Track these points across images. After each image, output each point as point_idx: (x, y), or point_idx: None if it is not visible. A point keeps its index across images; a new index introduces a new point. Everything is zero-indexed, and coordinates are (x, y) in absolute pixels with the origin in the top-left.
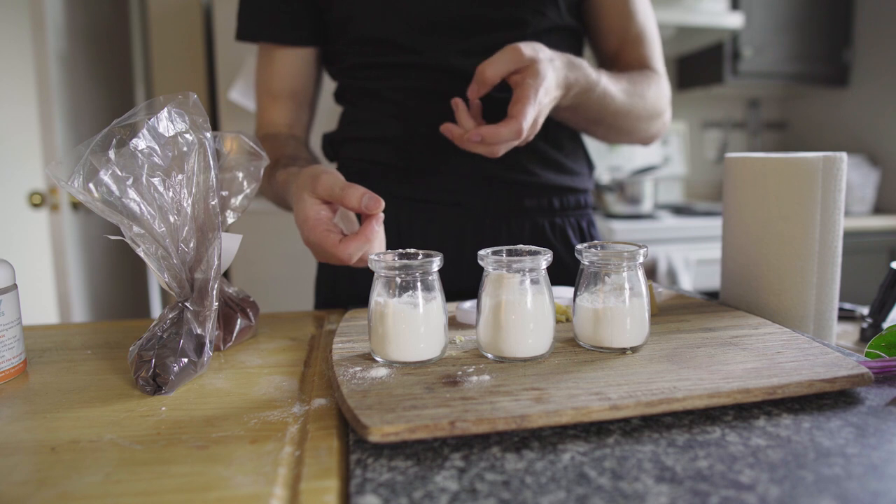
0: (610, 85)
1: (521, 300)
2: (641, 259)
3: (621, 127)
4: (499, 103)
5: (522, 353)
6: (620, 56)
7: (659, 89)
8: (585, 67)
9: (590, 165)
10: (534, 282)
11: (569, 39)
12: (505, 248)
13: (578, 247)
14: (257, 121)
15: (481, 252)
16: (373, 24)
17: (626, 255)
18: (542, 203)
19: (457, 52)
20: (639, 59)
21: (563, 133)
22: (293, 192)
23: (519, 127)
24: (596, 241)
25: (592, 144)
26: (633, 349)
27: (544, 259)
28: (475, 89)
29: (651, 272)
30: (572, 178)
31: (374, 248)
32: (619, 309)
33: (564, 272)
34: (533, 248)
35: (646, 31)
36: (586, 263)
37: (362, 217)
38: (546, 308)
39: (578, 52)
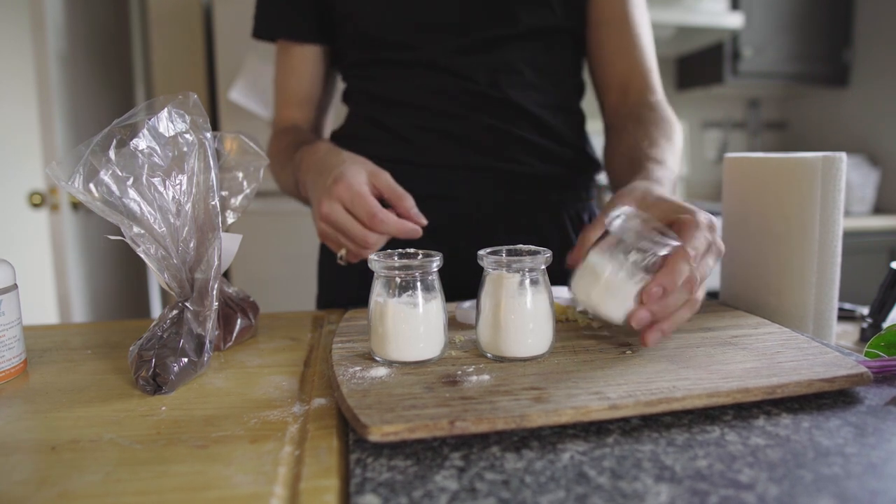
0: (672, 174)
1: (520, 300)
2: (667, 251)
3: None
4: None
5: (522, 352)
6: (629, 90)
7: (677, 130)
8: (665, 181)
9: (591, 158)
10: (533, 282)
11: (565, 42)
12: (504, 247)
13: (612, 213)
14: (276, 115)
15: (481, 252)
16: (370, 22)
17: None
18: (538, 195)
19: (451, 50)
20: (645, 88)
21: (562, 124)
22: (337, 152)
23: (687, 256)
24: (630, 209)
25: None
26: (633, 349)
27: (544, 259)
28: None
29: None
30: (570, 170)
31: (390, 236)
32: (626, 284)
33: (563, 265)
34: (532, 247)
35: (648, 61)
36: (618, 233)
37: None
38: (546, 308)
39: (577, 57)
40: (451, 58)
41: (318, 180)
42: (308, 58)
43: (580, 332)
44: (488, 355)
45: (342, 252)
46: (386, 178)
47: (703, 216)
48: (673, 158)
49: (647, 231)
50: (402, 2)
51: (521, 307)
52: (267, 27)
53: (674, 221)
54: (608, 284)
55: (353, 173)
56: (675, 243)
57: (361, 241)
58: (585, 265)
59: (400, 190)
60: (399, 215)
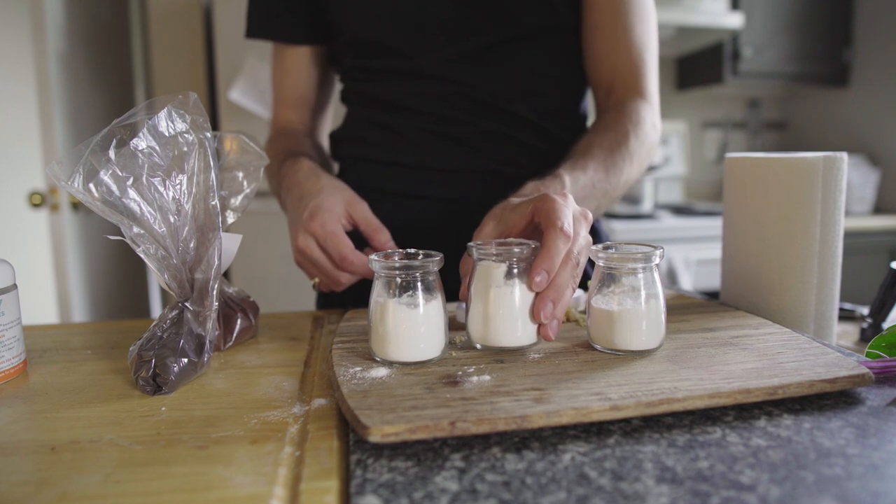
0: (573, 179)
1: (507, 290)
2: (657, 260)
3: (617, 197)
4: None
5: (510, 342)
6: (612, 91)
7: (639, 141)
8: (542, 188)
9: None
10: (521, 272)
11: (566, 41)
12: (494, 239)
13: (593, 247)
14: (273, 117)
15: (470, 243)
16: (364, 26)
17: (640, 257)
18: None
19: (450, 57)
20: (629, 91)
21: (563, 129)
22: (316, 177)
23: (557, 230)
24: (610, 242)
25: None
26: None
27: (531, 249)
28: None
29: None
30: None
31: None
32: (636, 311)
33: None
34: (521, 240)
35: (640, 57)
36: (601, 265)
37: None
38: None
39: (577, 54)
40: (449, 66)
41: (295, 207)
42: (303, 59)
43: (581, 332)
44: (478, 346)
45: (315, 280)
46: (363, 211)
47: (546, 196)
48: (596, 166)
49: (508, 254)
50: (398, 8)
51: (508, 297)
52: (259, 27)
53: (533, 214)
54: (615, 320)
55: (330, 207)
56: (532, 244)
57: (333, 279)
58: (590, 312)
59: (376, 223)
60: (374, 248)
